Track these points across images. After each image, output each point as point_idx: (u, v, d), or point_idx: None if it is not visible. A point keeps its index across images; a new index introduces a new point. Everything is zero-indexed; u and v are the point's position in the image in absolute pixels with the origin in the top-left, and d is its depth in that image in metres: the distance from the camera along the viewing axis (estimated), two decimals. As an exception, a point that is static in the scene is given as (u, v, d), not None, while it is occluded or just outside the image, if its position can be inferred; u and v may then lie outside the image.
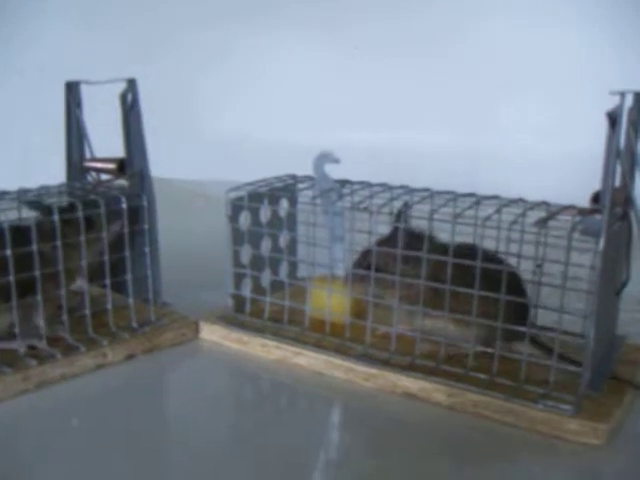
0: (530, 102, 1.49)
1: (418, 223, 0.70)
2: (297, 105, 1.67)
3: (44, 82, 1.75)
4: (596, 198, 0.59)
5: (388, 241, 0.70)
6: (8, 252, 0.66)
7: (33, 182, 0.78)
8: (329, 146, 1.05)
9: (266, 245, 0.81)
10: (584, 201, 0.63)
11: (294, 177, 0.82)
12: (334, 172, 0.78)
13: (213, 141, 1.69)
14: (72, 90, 0.83)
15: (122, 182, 0.79)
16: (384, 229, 0.71)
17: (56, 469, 0.57)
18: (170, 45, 1.76)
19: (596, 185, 0.61)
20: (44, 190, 0.76)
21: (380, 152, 1.49)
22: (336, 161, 0.75)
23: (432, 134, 1.53)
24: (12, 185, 0.76)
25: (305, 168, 0.86)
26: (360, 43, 1.64)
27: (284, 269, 0.83)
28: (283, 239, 0.82)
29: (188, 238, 0.85)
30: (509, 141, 1.49)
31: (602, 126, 0.58)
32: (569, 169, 0.67)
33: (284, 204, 0.82)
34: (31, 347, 0.71)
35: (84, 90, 0.84)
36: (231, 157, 1.65)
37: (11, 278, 0.66)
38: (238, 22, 1.72)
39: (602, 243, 0.57)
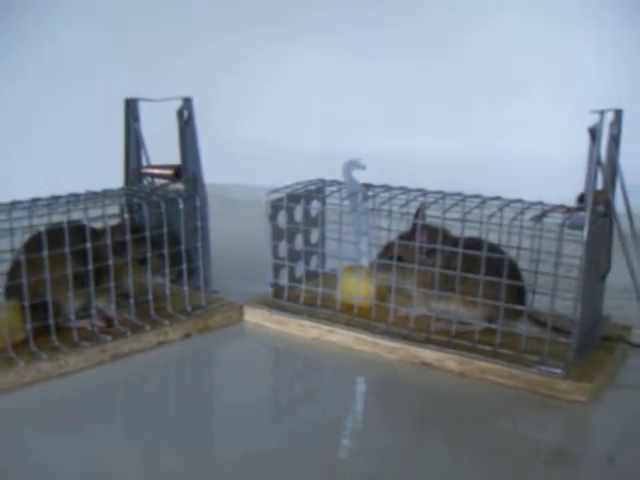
0: (536, 105, 1.57)
1: (433, 221, 0.83)
2: (312, 110, 1.76)
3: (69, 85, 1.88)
4: (581, 198, 0.72)
5: (408, 236, 0.82)
6: (88, 245, 0.79)
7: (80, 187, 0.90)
8: (339, 151, 1.17)
9: (300, 240, 0.93)
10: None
11: (323, 181, 0.95)
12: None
13: (231, 146, 1.77)
14: (130, 106, 0.96)
15: (178, 186, 0.91)
16: (402, 226, 0.84)
17: (126, 423, 0.70)
18: (189, 51, 1.85)
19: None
20: (110, 192, 0.89)
21: (390, 156, 1.56)
22: (363, 167, 0.87)
23: (441, 139, 1.62)
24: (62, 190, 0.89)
25: (320, 171, 0.98)
26: (374, 49, 1.72)
27: (315, 261, 0.96)
28: (314, 235, 0.95)
29: (222, 237, 0.96)
30: (514, 144, 1.56)
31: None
32: (571, 170, 0.77)
33: (315, 205, 0.94)
34: (107, 325, 0.84)
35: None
36: (248, 161, 1.75)
37: (90, 268, 0.79)
38: (256, 28, 1.81)
39: (585, 235, 0.69)
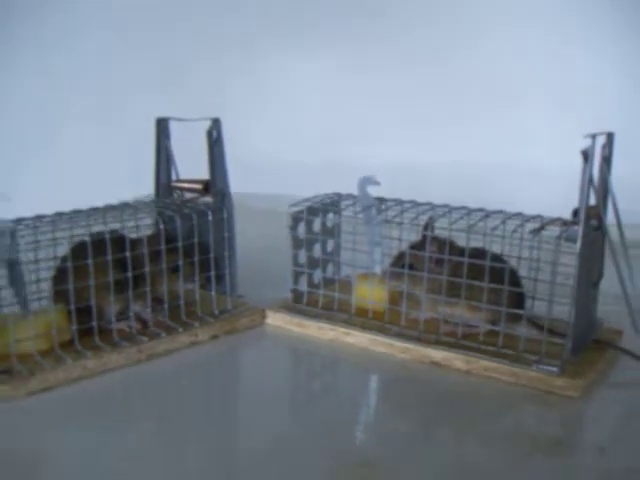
0: (536, 118, 1.61)
1: (441, 232, 0.91)
2: (318, 122, 1.82)
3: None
4: (575, 213, 0.80)
5: (418, 246, 0.90)
6: (127, 254, 0.87)
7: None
8: (343, 161, 1.24)
9: (318, 249, 1.01)
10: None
11: (339, 195, 1.03)
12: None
13: (242, 156, 1.84)
14: (161, 124, 1.04)
15: (207, 199, 1.00)
16: (412, 237, 0.92)
17: (160, 416, 0.77)
18: (202, 62, 1.92)
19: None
20: (141, 205, 0.97)
21: (392, 165, 1.54)
22: (377, 184, 0.95)
23: (444, 150, 1.67)
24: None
25: (327, 180, 1.05)
26: (378, 63, 1.77)
27: (331, 268, 1.04)
28: (331, 244, 1.03)
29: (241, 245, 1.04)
30: (514, 156, 1.60)
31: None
32: (568, 182, 0.84)
33: (332, 217, 1.02)
34: (143, 327, 0.92)
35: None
36: (260, 171, 1.82)
37: (129, 274, 0.88)
38: (269, 40, 1.87)
39: (578, 247, 0.77)
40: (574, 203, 0.80)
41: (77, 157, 2.02)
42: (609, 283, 0.87)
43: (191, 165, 1.05)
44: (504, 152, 1.63)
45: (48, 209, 0.91)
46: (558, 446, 0.70)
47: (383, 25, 1.77)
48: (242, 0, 1.90)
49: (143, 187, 1.11)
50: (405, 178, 1.36)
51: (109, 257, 0.85)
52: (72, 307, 0.84)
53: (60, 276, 0.87)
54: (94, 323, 0.86)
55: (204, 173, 1.02)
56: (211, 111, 0.99)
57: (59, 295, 0.86)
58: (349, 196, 1.01)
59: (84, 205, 0.95)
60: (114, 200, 0.98)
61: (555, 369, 0.79)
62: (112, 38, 2.02)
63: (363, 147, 1.71)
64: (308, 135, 1.84)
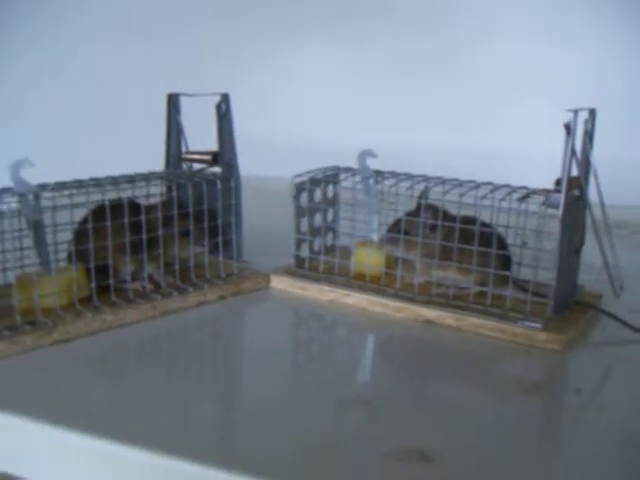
0: (533, 109, 1.70)
1: (434, 201, 0.97)
2: (323, 108, 1.90)
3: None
4: (558, 182, 0.87)
5: (413, 213, 0.97)
6: (142, 218, 0.94)
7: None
8: (346, 145, 1.28)
9: (319, 218, 1.08)
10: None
11: (339, 168, 1.09)
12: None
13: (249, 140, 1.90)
14: (172, 99, 1.10)
15: (215, 170, 1.06)
16: (406, 206, 0.99)
17: (170, 368, 0.84)
18: (210, 56, 2.00)
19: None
20: (156, 175, 1.03)
21: (393, 150, 1.69)
22: (375, 156, 1.02)
23: (441, 136, 1.76)
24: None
25: (329, 162, 1.12)
26: (381, 58, 1.86)
27: (331, 236, 1.11)
28: (331, 214, 1.10)
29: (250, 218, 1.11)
30: (508, 142, 1.69)
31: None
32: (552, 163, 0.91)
33: (332, 187, 1.09)
34: (155, 287, 0.98)
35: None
36: (263, 153, 1.88)
37: (143, 237, 0.94)
38: (274, 36, 1.95)
39: (561, 212, 0.84)
40: (552, 179, 0.87)
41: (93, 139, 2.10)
42: (592, 255, 0.94)
43: (198, 139, 1.12)
44: (496, 137, 1.72)
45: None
46: (539, 388, 0.78)
47: (387, 23, 1.85)
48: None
49: (154, 160, 1.17)
50: (403, 159, 1.41)
51: (125, 220, 0.91)
52: (91, 265, 0.90)
53: (79, 237, 0.94)
54: (111, 281, 0.93)
55: (210, 147, 1.08)
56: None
57: (78, 255, 0.92)
58: (348, 169, 1.07)
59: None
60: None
61: (539, 325, 0.86)
62: (126, 27, 2.08)
63: (364, 134, 1.76)
64: (312, 121, 1.91)
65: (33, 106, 2.21)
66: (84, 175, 0.98)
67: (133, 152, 1.53)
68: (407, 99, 1.81)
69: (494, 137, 1.73)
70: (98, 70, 2.13)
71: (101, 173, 1.01)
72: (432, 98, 1.78)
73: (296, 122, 1.92)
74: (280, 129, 1.91)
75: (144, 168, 1.10)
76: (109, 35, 2.10)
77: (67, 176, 0.98)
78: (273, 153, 1.81)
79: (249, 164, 1.12)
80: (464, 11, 1.78)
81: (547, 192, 0.88)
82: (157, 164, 1.13)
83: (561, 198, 0.84)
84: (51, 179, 0.94)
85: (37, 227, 0.89)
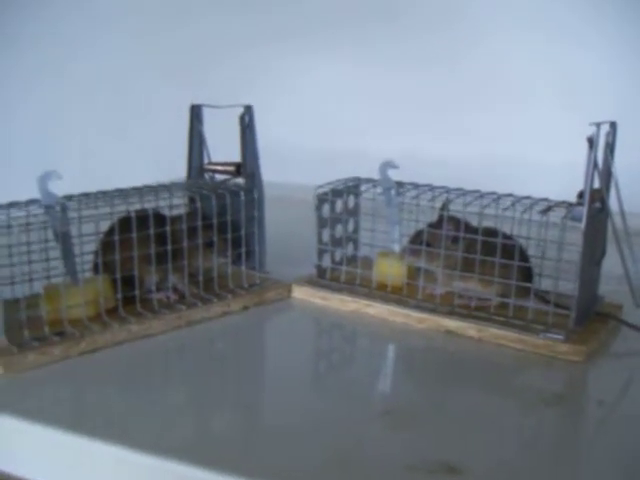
0: (538, 113, 1.69)
1: (455, 213, 0.98)
2: (327, 116, 1.91)
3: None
4: (580, 195, 0.87)
5: (435, 225, 0.98)
6: (167, 229, 0.95)
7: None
8: (351, 153, 1.27)
9: (340, 228, 1.09)
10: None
11: (359, 179, 1.10)
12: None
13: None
14: (195, 110, 1.11)
15: (238, 181, 1.07)
16: (428, 218, 0.99)
17: (195, 377, 0.84)
18: (218, 62, 2.01)
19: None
20: (178, 186, 1.05)
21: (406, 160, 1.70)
22: (396, 167, 1.03)
23: (451, 143, 1.75)
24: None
25: (340, 169, 1.13)
26: (390, 62, 1.85)
27: (352, 247, 1.12)
28: (353, 224, 1.11)
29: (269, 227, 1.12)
30: (522, 150, 1.69)
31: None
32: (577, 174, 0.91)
33: (353, 199, 1.10)
34: (180, 298, 0.99)
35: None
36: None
37: (168, 248, 0.95)
38: (278, 42, 1.96)
39: (583, 226, 0.85)
40: (568, 190, 0.88)
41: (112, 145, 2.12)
42: (611, 265, 0.95)
43: (216, 150, 1.13)
44: (510, 146, 1.71)
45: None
46: (561, 399, 0.78)
47: (396, 28, 1.85)
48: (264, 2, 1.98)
49: (174, 170, 1.19)
50: (416, 167, 1.42)
51: (151, 231, 0.93)
52: (117, 276, 0.92)
53: (105, 248, 0.95)
54: (136, 292, 0.94)
55: (229, 158, 1.10)
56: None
57: (103, 266, 0.94)
58: (369, 180, 1.08)
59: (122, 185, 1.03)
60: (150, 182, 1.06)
61: (561, 337, 0.87)
62: (135, 26, 2.10)
63: (377, 140, 1.78)
64: (321, 127, 1.92)
65: (54, 115, 2.23)
66: (106, 185, 1.00)
67: (154, 162, 1.56)
68: (421, 105, 1.81)
69: (507, 145, 1.72)
70: (119, 80, 2.15)
71: (122, 183, 1.03)
72: (445, 104, 1.79)
73: (309, 128, 1.94)
74: (294, 136, 1.92)
75: (165, 179, 1.12)
76: (131, 45, 2.12)
77: (89, 186, 1.00)
78: (284, 160, 1.81)
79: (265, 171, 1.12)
80: (479, 16, 1.78)
81: (569, 205, 0.89)
82: (175, 174, 1.15)
83: (584, 211, 0.84)
84: (74, 189, 0.96)
85: (64, 238, 0.91)
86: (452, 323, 0.94)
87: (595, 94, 1.63)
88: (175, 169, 1.23)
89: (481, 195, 0.98)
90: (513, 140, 1.72)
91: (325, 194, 1.04)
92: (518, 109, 1.72)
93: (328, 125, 1.90)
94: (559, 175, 1.51)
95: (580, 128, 0.87)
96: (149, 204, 0.97)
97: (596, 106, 1.52)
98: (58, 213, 0.90)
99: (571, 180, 0.91)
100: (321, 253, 1.07)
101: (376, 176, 1.05)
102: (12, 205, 0.89)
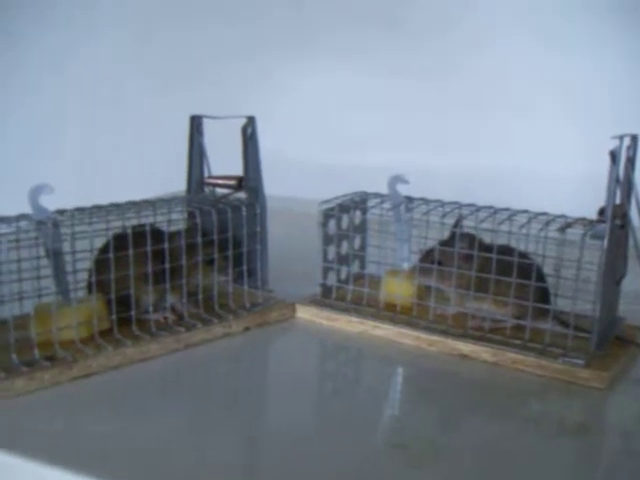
0: (547, 125, 1.65)
1: (468, 230, 0.93)
2: (328, 128, 1.87)
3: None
4: (601, 212, 0.83)
5: (446, 243, 0.93)
6: (165, 246, 0.90)
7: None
8: (352, 164, 1.23)
9: (346, 245, 1.04)
10: (593, 213, 0.86)
11: (366, 194, 1.06)
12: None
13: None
14: (195, 121, 1.07)
15: (240, 195, 1.03)
16: (438, 235, 0.95)
17: (196, 402, 0.80)
18: (216, 70, 1.98)
19: (602, 202, 0.84)
20: (177, 200, 1.00)
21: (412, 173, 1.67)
22: (406, 182, 0.99)
23: (453, 155, 1.72)
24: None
25: (341, 183, 1.09)
26: (392, 72, 1.82)
27: (358, 264, 1.07)
28: (359, 241, 1.06)
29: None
30: (526, 161, 1.66)
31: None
32: (581, 187, 0.87)
33: (359, 214, 1.05)
34: (179, 318, 0.95)
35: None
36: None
37: (166, 266, 0.91)
38: (277, 50, 1.92)
39: (605, 244, 0.80)
40: (587, 205, 0.85)
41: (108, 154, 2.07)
42: (627, 282, 0.90)
43: (216, 163, 1.09)
44: (517, 157, 1.68)
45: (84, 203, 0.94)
46: (584, 429, 0.73)
47: (398, 36, 1.82)
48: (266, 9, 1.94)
49: (173, 183, 1.14)
50: (420, 179, 1.39)
51: (148, 248, 0.88)
52: (112, 297, 0.87)
53: (99, 266, 0.90)
54: (132, 313, 0.89)
55: (231, 171, 1.05)
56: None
57: (97, 285, 0.89)
58: (376, 195, 1.04)
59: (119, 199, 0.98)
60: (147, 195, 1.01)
61: (581, 362, 0.82)
62: (132, 36, 2.06)
63: (379, 152, 1.75)
64: (321, 139, 1.88)
65: (47, 126, 2.19)
66: (101, 199, 0.95)
67: (152, 176, 1.52)
68: (424, 115, 1.78)
69: (510, 156, 1.69)
70: (116, 90, 2.12)
71: (119, 198, 0.98)
72: (447, 114, 1.75)
73: (309, 139, 1.90)
74: (295, 148, 1.88)
75: (164, 193, 1.07)
76: (129, 55, 2.08)
77: (84, 200, 0.95)
78: (282, 171, 1.77)
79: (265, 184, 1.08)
80: (482, 26, 1.74)
81: (590, 222, 0.84)
82: (174, 188, 1.10)
83: (606, 229, 0.80)
84: (67, 203, 0.91)
85: (56, 256, 0.86)
86: (465, 347, 0.89)
87: (598, 105, 1.59)
88: (174, 183, 1.18)
89: (495, 211, 0.93)
90: (516, 151, 1.69)
91: (331, 209, 0.99)
92: (521, 120, 1.69)
93: (329, 137, 1.86)
94: (562, 186, 1.50)
95: (583, 138, 0.82)
96: (146, 219, 0.92)
97: (598, 117, 1.51)
98: (50, 229, 0.85)
99: (575, 190, 0.87)
100: (326, 271, 1.02)
101: (378, 187, 1.01)
102: (1, 220, 0.84)
